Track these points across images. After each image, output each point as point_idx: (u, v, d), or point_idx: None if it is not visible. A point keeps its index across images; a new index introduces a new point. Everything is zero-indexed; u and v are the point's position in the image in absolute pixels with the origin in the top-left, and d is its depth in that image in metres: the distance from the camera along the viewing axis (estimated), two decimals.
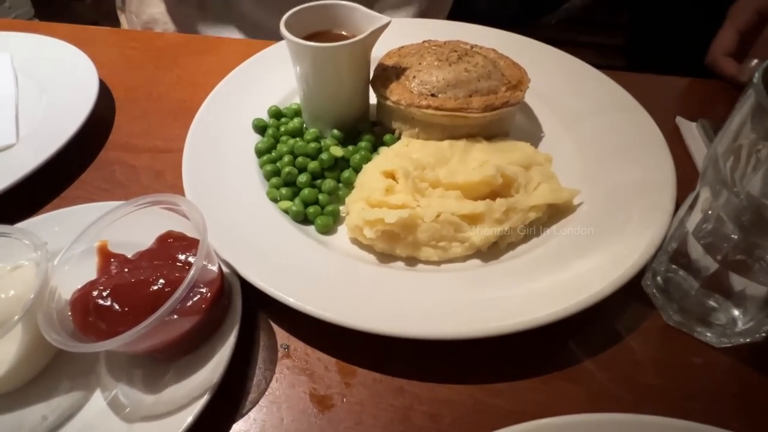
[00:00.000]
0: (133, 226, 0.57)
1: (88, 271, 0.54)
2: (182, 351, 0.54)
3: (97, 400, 0.53)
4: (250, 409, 0.53)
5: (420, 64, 0.76)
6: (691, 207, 0.55)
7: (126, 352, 0.55)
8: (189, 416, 0.48)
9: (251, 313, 0.60)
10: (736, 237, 0.50)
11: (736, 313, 0.56)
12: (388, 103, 0.74)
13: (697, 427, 0.45)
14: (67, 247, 0.54)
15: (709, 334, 0.58)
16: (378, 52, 0.76)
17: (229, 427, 0.52)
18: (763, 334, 0.56)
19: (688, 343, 0.58)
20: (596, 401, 0.54)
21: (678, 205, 0.63)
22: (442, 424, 0.52)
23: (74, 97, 0.86)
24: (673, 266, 0.59)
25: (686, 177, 0.68)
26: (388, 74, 0.76)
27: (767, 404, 0.53)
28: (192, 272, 0.48)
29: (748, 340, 0.57)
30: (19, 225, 0.64)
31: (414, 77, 0.74)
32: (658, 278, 0.61)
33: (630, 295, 0.61)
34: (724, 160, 0.49)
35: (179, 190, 0.68)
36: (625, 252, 0.59)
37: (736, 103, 0.49)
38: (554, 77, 0.86)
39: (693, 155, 0.80)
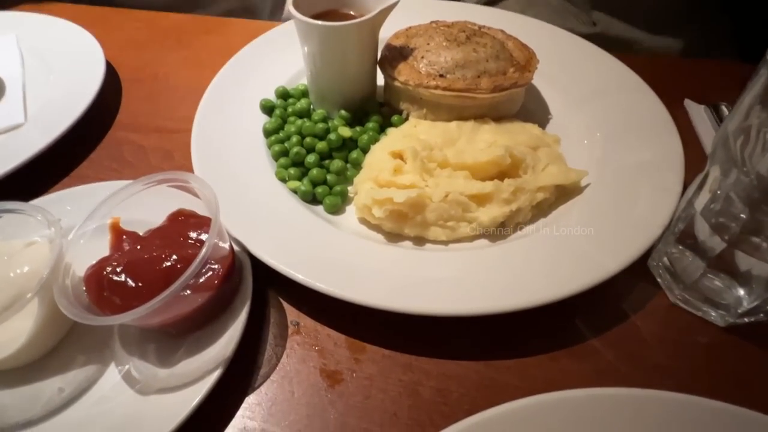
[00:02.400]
0: (145, 205, 0.58)
1: (100, 247, 0.55)
2: (194, 326, 0.55)
3: (112, 374, 0.54)
4: (262, 383, 0.54)
5: (428, 44, 0.75)
6: (700, 187, 0.55)
7: (140, 327, 0.56)
8: (202, 389, 0.49)
9: (261, 291, 0.61)
10: (744, 216, 0.51)
11: (742, 292, 0.56)
12: (396, 83, 0.74)
13: (702, 402, 0.46)
14: (80, 224, 0.54)
15: (714, 314, 0.59)
16: (385, 33, 0.76)
17: (242, 400, 0.53)
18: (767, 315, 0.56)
19: (693, 322, 0.59)
20: (602, 378, 0.54)
21: (685, 188, 0.63)
22: (450, 398, 0.53)
23: (81, 78, 0.86)
24: (680, 246, 0.59)
25: (694, 160, 0.68)
26: (395, 55, 0.76)
27: None
28: (205, 248, 0.48)
29: (752, 319, 0.57)
30: (32, 203, 0.65)
31: (422, 57, 0.74)
32: (665, 258, 0.62)
33: (636, 275, 0.61)
34: (735, 139, 0.50)
35: (188, 170, 0.68)
36: (633, 232, 0.60)
37: (749, 82, 0.49)
38: (562, 58, 0.85)
39: (701, 138, 0.79)
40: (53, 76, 0.88)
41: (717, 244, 0.54)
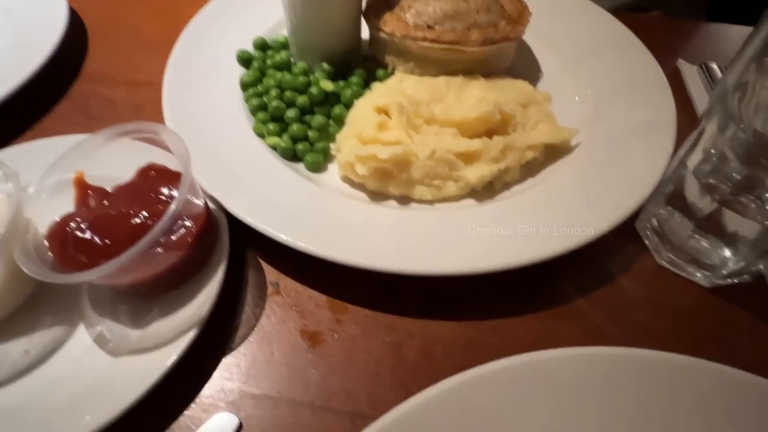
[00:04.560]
0: (112, 159, 0.54)
1: (65, 203, 0.52)
2: (168, 286, 0.52)
3: (81, 335, 0.51)
4: (240, 344, 0.53)
5: None
6: (693, 146, 0.54)
7: (110, 287, 0.53)
8: (176, 350, 0.47)
9: (240, 251, 0.59)
10: (737, 176, 0.50)
11: (728, 253, 0.56)
12: (382, 35, 0.70)
13: (684, 360, 0.45)
14: (41, 177, 0.51)
15: (699, 275, 0.58)
16: None
17: (219, 361, 0.51)
18: (751, 276, 0.56)
19: (679, 283, 0.58)
20: (588, 339, 0.54)
21: (676, 149, 0.62)
22: (434, 359, 0.52)
23: (42, 25, 0.80)
24: (669, 208, 0.58)
25: (686, 120, 0.67)
26: (381, 5, 0.72)
27: (753, 342, 0.54)
28: (175, 203, 0.45)
29: (736, 280, 0.57)
30: None
31: (409, 8, 0.70)
32: (653, 220, 0.61)
33: (624, 237, 0.60)
34: (733, 94, 0.48)
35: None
36: (622, 192, 0.58)
37: (749, 36, 0.47)
38: (555, 15, 0.81)
39: (693, 99, 0.78)
40: (11, 22, 0.82)
41: (706, 204, 0.53)
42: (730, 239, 0.55)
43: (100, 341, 0.51)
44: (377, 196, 0.62)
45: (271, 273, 0.58)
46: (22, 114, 0.73)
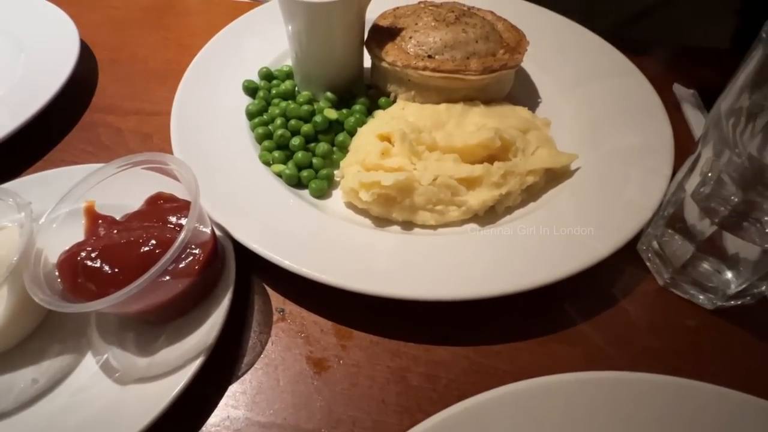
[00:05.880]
0: (122, 188, 0.56)
1: (75, 232, 0.53)
2: (175, 313, 0.53)
3: (89, 364, 0.52)
4: (246, 371, 0.53)
5: (416, 24, 0.73)
6: (691, 170, 0.55)
7: (118, 315, 0.54)
8: (183, 378, 0.47)
9: (245, 278, 0.59)
10: (735, 198, 0.50)
11: (730, 275, 0.56)
12: (384, 64, 0.72)
13: (690, 384, 0.45)
14: (53, 208, 0.52)
15: (702, 297, 0.58)
16: (372, 14, 0.74)
17: (225, 389, 0.52)
18: (754, 298, 0.56)
19: (681, 305, 0.58)
20: (592, 362, 0.54)
21: (674, 172, 0.63)
22: (439, 384, 0.52)
23: (54, 58, 0.82)
24: (669, 230, 0.59)
25: (683, 144, 0.68)
26: (383, 35, 0.74)
27: (757, 363, 0.54)
28: (185, 232, 0.46)
29: (739, 302, 0.57)
30: (2, 186, 0.62)
31: (410, 38, 0.72)
32: (654, 242, 0.61)
33: (625, 259, 0.61)
34: (727, 120, 0.49)
35: (168, 153, 0.66)
36: (622, 216, 0.59)
37: (741, 63, 0.48)
38: (551, 41, 0.84)
39: (689, 122, 0.79)
40: (24, 55, 0.84)
41: (706, 227, 0.54)
42: (731, 262, 0.55)
43: (108, 369, 0.51)
44: (381, 221, 0.63)
45: (276, 299, 0.59)
46: (34, 144, 0.75)
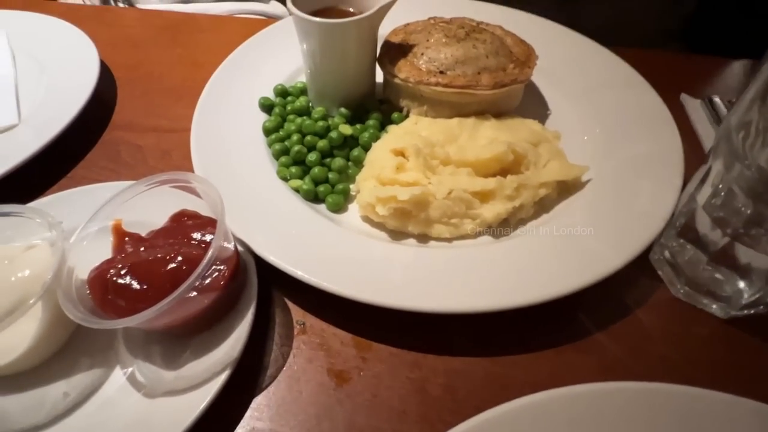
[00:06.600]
0: (147, 206, 0.57)
1: (103, 250, 0.55)
2: (200, 328, 0.54)
3: (117, 377, 0.53)
4: (269, 384, 0.54)
5: (428, 41, 0.75)
6: (702, 181, 0.56)
7: (145, 329, 0.55)
8: (210, 391, 0.49)
9: (266, 292, 0.61)
10: (746, 209, 0.51)
11: (742, 285, 0.57)
12: (396, 80, 0.74)
13: (705, 393, 0.46)
14: (83, 226, 0.54)
15: (715, 306, 0.59)
16: (383, 30, 0.76)
17: (249, 402, 0.53)
18: (767, 306, 0.57)
19: (695, 315, 0.59)
20: (607, 371, 0.55)
21: (684, 182, 0.64)
22: (458, 395, 0.53)
23: (75, 77, 0.84)
24: (681, 240, 0.60)
25: (692, 153, 0.69)
26: (395, 51, 0.76)
27: None
28: (212, 249, 0.48)
29: (753, 311, 0.58)
30: (30, 205, 0.64)
31: (422, 54, 0.74)
32: (666, 252, 0.62)
33: (638, 269, 0.61)
34: (737, 133, 0.50)
35: (187, 170, 0.67)
36: (635, 227, 0.60)
37: (752, 75, 0.49)
38: (559, 54, 0.85)
39: (698, 132, 0.80)
40: (46, 75, 0.87)
41: (718, 237, 0.55)
42: (744, 271, 0.56)
43: (135, 383, 0.53)
44: (397, 234, 0.64)
45: (297, 312, 0.60)
46: (57, 162, 0.77)
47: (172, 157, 0.78)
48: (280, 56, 0.85)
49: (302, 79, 0.82)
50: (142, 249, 0.54)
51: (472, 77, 0.71)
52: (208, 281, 0.52)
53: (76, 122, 0.78)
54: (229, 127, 0.75)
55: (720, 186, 0.54)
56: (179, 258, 0.51)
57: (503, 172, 0.66)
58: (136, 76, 0.94)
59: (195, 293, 0.51)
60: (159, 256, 0.52)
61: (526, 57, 0.76)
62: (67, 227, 0.55)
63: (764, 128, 0.49)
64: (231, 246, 0.55)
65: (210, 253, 0.47)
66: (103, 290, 0.50)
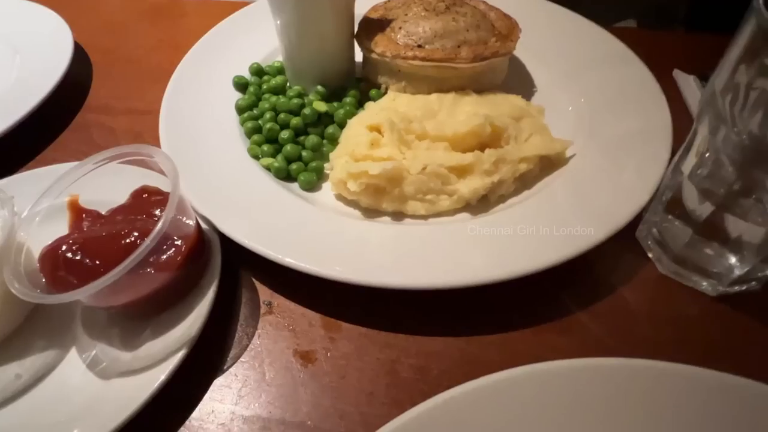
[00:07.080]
0: (107, 184, 0.55)
1: (60, 227, 0.52)
2: (159, 307, 0.52)
3: (74, 359, 0.51)
4: (232, 365, 0.52)
5: (406, 15, 0.72)
6: (687, 150, 0.53)
7: (102, 309, 0.53)
8: (165, 370, 0.46)
9: (233, 271, 0.58)
10: (733, 177, 0.48)
11: (733, 260, 0.54)
12: (373, 55, 0.71)
13: (691, 370, 0.43)
14: (34, 202, 0.52)
15: (705, 283, 0.56)
16: (362, 9, 0.73)
17: (210, 382, 0.51)
18: (759, 282, 0.54)
19: (683, 293, 0.56)
20: (589, 352, 0.52)
21: (672, 157, 0.61)
22: (429, 376, 0.51)
23: (48, 59, 0.83)
24: (669, 216, 0.57)
25: (683, 130, 0.66)
26: (373, 27, 0.73)
27: (762, 350, 0.51)
28: (162, 221, 0.46)
29: (744, 287, 0.55)
30: None
31: (400, 28, 0.71)
32: (653, 229, 0.59)
33: (624, 247, 0.59)
34: (723, 97, 0.47)
35: None
36: (619, 200, 0.57)
37: (733, 37, 0.46)
38: (547, 31, 0.82)
39: (690, 108, 0.77)
40: (19, 56, 0.85)
41: (706, 209, 0.52)
42: (734, 245, 0.53)
43: (92, 364, 0.50)
44: (371, 212, 0.61)
45: (265, 292, 0.58)
46: (27, 144, 0.75)
47: (144, 138, 0.76)
48: (256, 36, 0.83)
49: (279, 58, 0.80)
50: (99, 225, 0.52)
51: (451, 50, 0.68)
52: (164, 257, 0.49)
53: (47, 105, 0.76)
54: (201, 105, 0.72)
55: (706, 154, 0.51)
56: (135, 233, 0.49)
57: (482, 147, 0.63)
58: (113, 59, 0.92)
59: (150, 269, 0.48)
60: (114, 232, 0.50)
61: (509, 31, 0.73)
62: (26, 206, 0.53)
63: (752, 92, 0.46)
64: (191, 222, 0.53)
65: (159, 225, 0.45)
66: (54, 266, 0.48)
